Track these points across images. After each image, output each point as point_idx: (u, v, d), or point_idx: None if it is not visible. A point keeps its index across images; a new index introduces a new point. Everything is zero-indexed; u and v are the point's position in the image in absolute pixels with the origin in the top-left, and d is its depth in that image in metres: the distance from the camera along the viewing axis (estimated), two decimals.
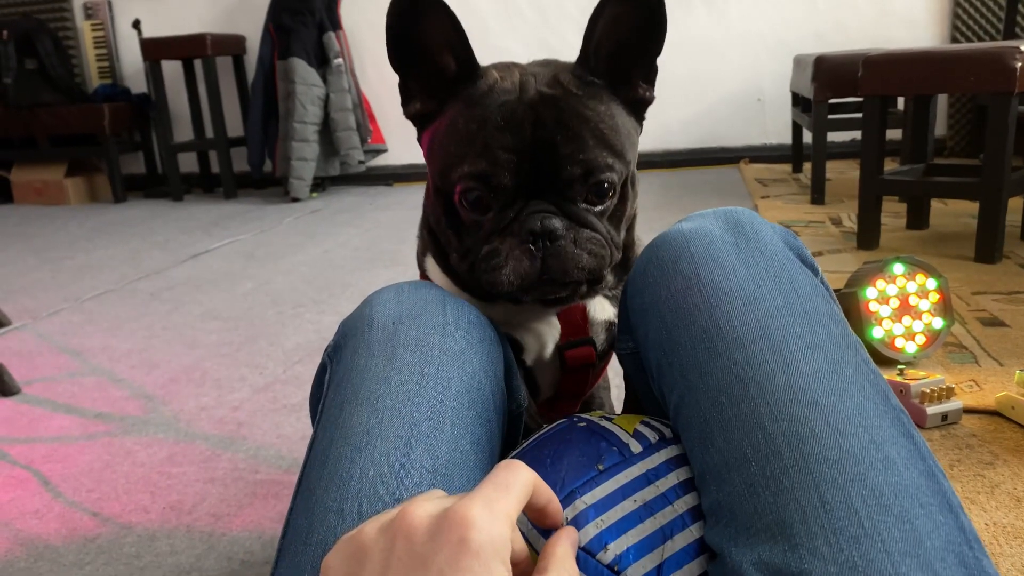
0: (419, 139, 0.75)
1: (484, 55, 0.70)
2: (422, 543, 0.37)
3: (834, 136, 3.39)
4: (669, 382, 0.53)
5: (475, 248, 0.68)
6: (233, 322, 2.36)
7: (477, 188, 0.67)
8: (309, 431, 0.64)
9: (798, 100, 3.84)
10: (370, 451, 0.51)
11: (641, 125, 0.75)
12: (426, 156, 0.73)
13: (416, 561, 0.36)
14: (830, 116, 3.26)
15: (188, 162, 4.89)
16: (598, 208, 0.69)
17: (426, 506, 0.39)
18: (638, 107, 0.73)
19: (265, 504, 1.33)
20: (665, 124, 4.45)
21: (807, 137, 3.64)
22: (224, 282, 2.83)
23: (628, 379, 0.69)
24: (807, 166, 3.97)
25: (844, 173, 3.95)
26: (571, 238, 0.66)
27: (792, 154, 4.06)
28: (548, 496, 0.43)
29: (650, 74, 0.73)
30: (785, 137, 4.25)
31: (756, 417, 0.48)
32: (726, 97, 4.41)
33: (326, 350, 0.68)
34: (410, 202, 4.11)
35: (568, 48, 4.42)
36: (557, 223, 0.65)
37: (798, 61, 3.67)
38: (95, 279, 3.02)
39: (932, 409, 1.35)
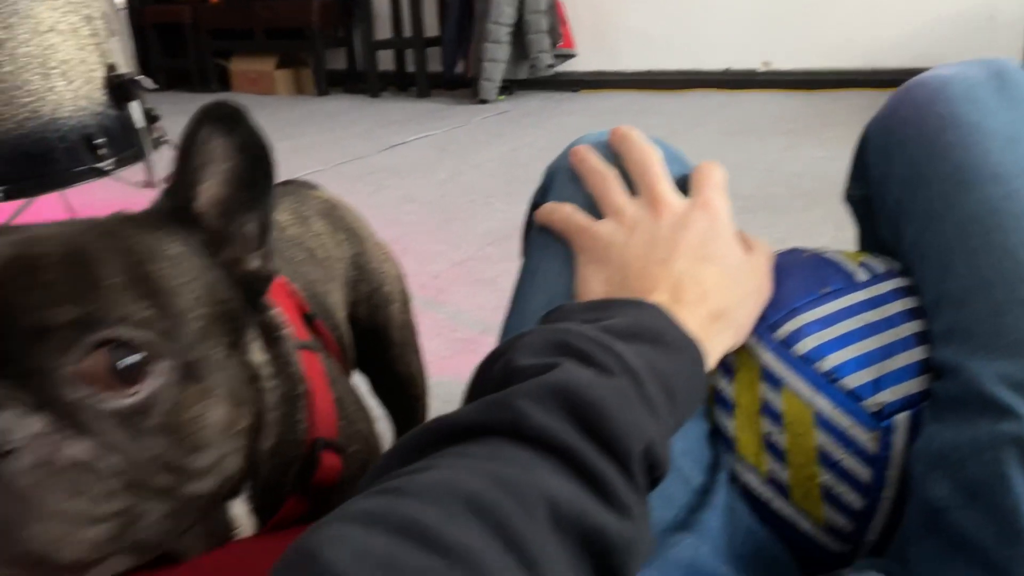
0: None
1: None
2: (683, 214, 0.53)
3: None
4: (909, 215, 0.55)
5: None
6: (429, 206, 2.52)
7: None
8: (503, 303, 0.68)
9: None
10: (574, 265, 0.58)
11: (255, 309, 0.49)
12: None
13: (679, 225, 0.53)
14: None
15: (385, 60, 5.12)
16: (124, 401, 0.37)
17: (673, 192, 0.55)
18: (250, 287, 0.48)
19: (465, 357, 1.46)
20: (875, 40, 4.12)
21: None
22: (420, 171, 3.00)
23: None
24: None
25: None
26: (38, 459, 0.34)
27: None
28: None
29: (265, 235, 0.48)
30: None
31: (1007, 246, 0.50)
32: (950, 13, 4.01)
33: (534, 195, 0.72)
34: (595, 109, 4.11)
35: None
36: (16, 420, 0.34)
37: None
38: (305, 161, 3.29)
39: None
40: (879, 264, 0.58)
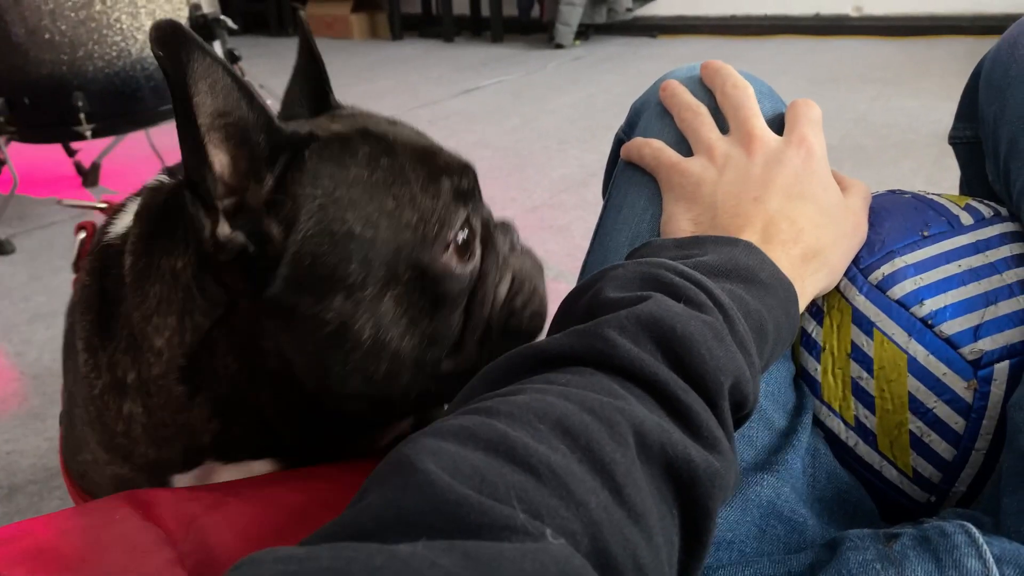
0: (261, 281, 0.44)
1: None
2: (777, 151, 0.51)
3: None
4: (1023, 156, 0.52)
5: (479, 305, 0.48)
6: (503, 152, 2.51)
7: (468, 216, 0.48)
8: (576, 249, 0.67)
9: None
10: (661, 202, 0.56)
11: None
12: (318, 258, 0.44)
13: (773, 162, 0.51)
14: None
15: (460, 4, 5.07)
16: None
17: (767, 128, 0.53)
18: None
19: None
20: None
21: None
22: (494, 116, 2.98)
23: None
24: None
25: None
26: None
27: None
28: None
29: None
30: None
31: None
32: None
33: (618, 132, 0.70)
34: (674, 55, 4.00)
35: None
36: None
37: None
38: (379, 104, 3.29)
39: None
40: (985, 208, 0.55)
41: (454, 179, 0.47)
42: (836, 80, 3.17)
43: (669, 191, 0.55)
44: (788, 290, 0.45)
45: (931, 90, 2.87)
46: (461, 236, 0.47)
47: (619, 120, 0.68)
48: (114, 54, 1.79)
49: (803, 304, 0.48)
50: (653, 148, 0.57)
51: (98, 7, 1.73)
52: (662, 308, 0.37)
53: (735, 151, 0.52)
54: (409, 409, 0.52)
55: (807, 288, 0.49)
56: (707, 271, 0.42)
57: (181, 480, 0.51)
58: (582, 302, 0.41)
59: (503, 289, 0.48)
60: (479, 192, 0.50)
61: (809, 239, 0.49)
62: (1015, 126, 0.53)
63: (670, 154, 0.55)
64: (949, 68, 3.21)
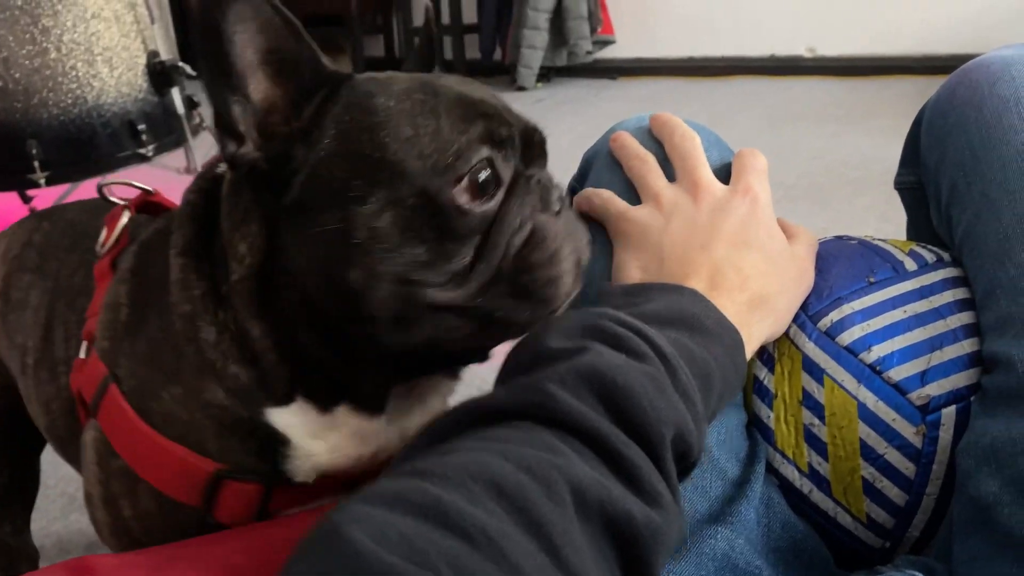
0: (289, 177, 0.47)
1: None
2: (722, 199, 0.52)
3: None
4: (964, 202, 0.53)
5: (491, 249, 0.46)
6: None
7: (492, 158, 0.47)
8: None
9: None
10: (610, 251, 0.56)
11: None
12: (351, 169, 0.46)
13: (719, 210, 0.51)
14: None
15: None
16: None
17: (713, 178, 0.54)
18: None
19: None
20: (926, 24, 4.01)
21: None
22: None
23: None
24: None
25: None
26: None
27: None
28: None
29: None
30: None
31: None
32: None
33: (570, 182, 0.70)
34: (634, 96, 4.07)
35: None
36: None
37: None
38: None
39: None
40: (929, 253, 0.56)
41: (492, 124, 0.47)
42: (792, 119, 3.24)
43: (618, 239, 0.55)
44: (734, 337, 0.45)
45: (883, 128, 2.95)
46: (481, 175, 0.46)
47: (579, 161, 0.68)
48: (69, 101, 1.77)
49: (750, 351, 0.48)
50: (603, 198, 0.57)
51: (53, 55, 1.72)
52: (603, 360, 0.37)
53: (682, 199, 0.53)
54: (434, 360, 0.51)
55: (754, 335, 0.49)
56: (652, 319, 0.42)
57: (279, 416, 0.51)
58: (527, 353, 0.41)
59: (518, 239, 0.47)
60: (530, 149, 0.51)
61: (755, 286, 0.49)
62: (955, 173, 0.55)
63: (619, 203, 0.56)
64: (899, 107, 3.30)
